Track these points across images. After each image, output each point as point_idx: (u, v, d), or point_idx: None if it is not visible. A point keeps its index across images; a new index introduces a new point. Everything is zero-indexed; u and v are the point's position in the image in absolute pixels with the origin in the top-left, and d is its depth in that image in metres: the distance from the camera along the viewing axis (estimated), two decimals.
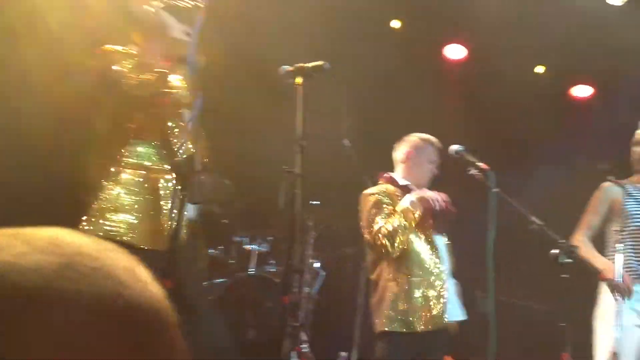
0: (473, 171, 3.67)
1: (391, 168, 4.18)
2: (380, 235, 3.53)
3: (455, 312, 3.76)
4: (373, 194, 3.71)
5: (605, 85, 6.82)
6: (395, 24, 6.45)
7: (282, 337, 4.39)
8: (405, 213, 3.58)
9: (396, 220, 3.55)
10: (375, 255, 3.69)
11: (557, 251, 3.42)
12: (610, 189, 4.04)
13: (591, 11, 5.63)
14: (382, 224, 3.56)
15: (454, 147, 3.78)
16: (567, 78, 6.90)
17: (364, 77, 6.06)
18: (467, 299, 6.14)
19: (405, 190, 3.77)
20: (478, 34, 6.36)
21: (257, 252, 4.97)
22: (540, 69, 6.78)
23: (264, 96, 4.66)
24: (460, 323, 3.95)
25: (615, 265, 3.70)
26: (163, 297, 0.73)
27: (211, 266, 4.99)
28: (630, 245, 3.92)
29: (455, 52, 6.72)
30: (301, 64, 3.18)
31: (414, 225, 3.61)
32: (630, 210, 3.92)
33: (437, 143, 3.96)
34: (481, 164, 3.68)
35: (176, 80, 3.25)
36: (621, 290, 3.70)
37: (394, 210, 3.62)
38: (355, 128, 5.57)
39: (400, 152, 3.98)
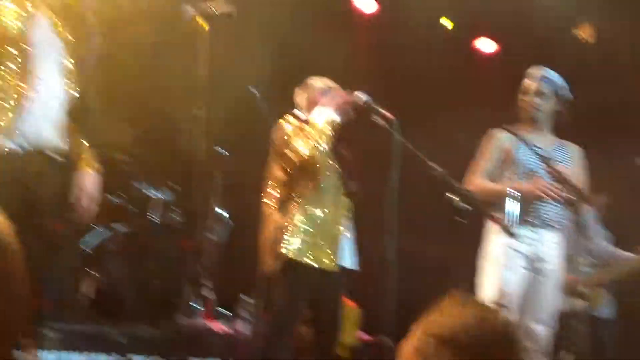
0: (377, 119, 3.70)
1: None
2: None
3: (348, 259, 3.85)
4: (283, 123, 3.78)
5: (508, 41, 6.98)
6: None
7: (184, 284, 4.39)
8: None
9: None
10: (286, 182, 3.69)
11: (453, 196, 3.50)
12: (500, 136, 4.11)
13: None
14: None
15: (361, 95, 3.79)
16: (472, 32, 7.01)
17: (275, 25, 5.98)
18: (372, 246, 6.30)
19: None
20: None
21: (160, 200, 4.88)
22: (446, 22, 6.84)
23: (168, 37, 4.51)
24: (360, 269, 4.02)
25: (506, 207, 3.81)
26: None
27: (113, 214, 4.88)
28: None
29: (365, 4, 6.71)
30: (207, 7, 3.08)
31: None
32: (520, 158, 4.03)
33: (333, 84, 4.01)
34: (386, 113, 3.71)
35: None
36: (510, 232, 3.82)
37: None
38: (265, 76, 5.51)
39: (300, 96, 4.01)
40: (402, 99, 5.54)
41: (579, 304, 4.44)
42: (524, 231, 3.91)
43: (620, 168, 4.88)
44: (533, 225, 3.93)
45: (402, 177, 3.70)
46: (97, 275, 4.30)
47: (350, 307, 4.95)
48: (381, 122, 3.71)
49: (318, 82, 4.01)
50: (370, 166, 5.41)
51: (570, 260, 4.45)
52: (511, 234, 3.79)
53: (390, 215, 3.70)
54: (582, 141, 4.81)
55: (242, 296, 4.87)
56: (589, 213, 4.74)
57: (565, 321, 4.24)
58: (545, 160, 3.96)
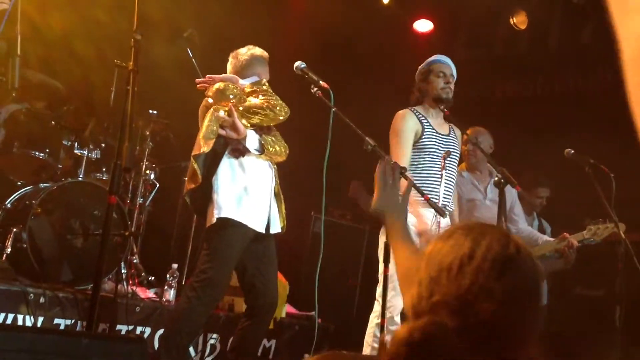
0: (315, 89, 3.69)
1: None
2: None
3: (276, 225, 3.90)
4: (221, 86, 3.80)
5: (444, 21, 7.07)
6: None
7: (111, 246, 4.30)
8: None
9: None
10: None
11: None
12: (408, 117, 4.16)
13: None
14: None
15: (298, 64, 3.77)
16: (409, 10, 7.06)
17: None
18: (305, 218, 6.35)
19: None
20: None
21: (87, 158, 4.75)
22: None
23: None
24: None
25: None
26: None
27: (39, 170, 4.74)
28: (426, 173, 4.12)
29: None
30: None
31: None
32: (425, 143, 4.08)
33: (265, 55, 4.06)
34: (322, 83, 3.70)
35: None
36: (442, 212, 3.91)
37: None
38: (199, 40, 5.42)
39: (228, 65, 4.06)
40: (338, 71, 5.57)
41: None
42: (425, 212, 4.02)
43: (551, 157, 5.02)
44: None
45: (335, 150, 3.72)
46: (19, 232, 4.16)
47: (280, 282, 4.98)
48: (318, 92, 3.71)
49: (243, 53, 4.03)
50: (306, 137, 5.44)
51: None
52: (443, 213, 3.90)
53: (320, 187, 3.73)
54: (509, 128, 4.97)
55: (173, 265, 4.81)
56: (513, 194, 4.87)
57: None
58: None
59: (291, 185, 5.97)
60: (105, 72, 4.85)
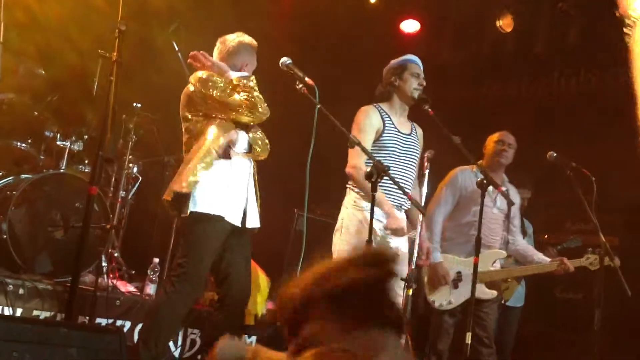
0: (300, 86, 3.70)
1: None
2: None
3: (253, 220, 3.86)
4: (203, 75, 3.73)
5: (430, 22, 7.08)
6: None
7: (92, 238, 4.27)
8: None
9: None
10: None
11: (368, 169, 3.56)
12: (372, 114, 4.14)
13: None
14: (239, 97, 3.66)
15: (284, 60, 3.77)
16: (396, 10, 7.07)
17: None
18: (285, 216, 6.34)
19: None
20: None
21: (69, 150, 4.72)
22: None
23: None
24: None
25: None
26: None
27: (20, 161, 4.70)
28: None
29: None
30: None
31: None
32: (385, 141, 4.06)
33: (253, 43, 3.98)
34: (308, 79, 3.71)
35: None
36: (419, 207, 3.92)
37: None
38: (184, 34, 5.41)
39: (215, 51, 3.96)
40: (323, 69, 5.57)
41: (490, 292, 4.58)
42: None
43: (534, 159, 5.04)
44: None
45: (320, 147, 3.73)
46: None
47: (261, 277, 4.97)
48: (303, 88, 3.71)
49: (230, 40, 3.94)
50: (290, 133, 5.44)
51: (490, 249, 4.59)
52: (424, 212, 3.91)
53: (303, 184, 3.73)
54: (493, 129, 4.97)
55: (154, 260, 4.80)
56: (517, 205, 4.82)
57: (477, 308, 4.38)
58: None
59: (275, 182, 5.98)
60: (89, 63, 4.81)
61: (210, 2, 5.93)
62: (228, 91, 3.69)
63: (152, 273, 4.71)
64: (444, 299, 4.57)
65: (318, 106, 3.69)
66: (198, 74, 3.74)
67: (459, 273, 4.57)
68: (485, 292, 4.56)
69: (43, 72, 4.89)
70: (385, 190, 3.97)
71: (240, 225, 3.75)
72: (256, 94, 3.73)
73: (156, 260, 4.79)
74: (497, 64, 7.00)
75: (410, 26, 7.06)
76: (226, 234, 3.70)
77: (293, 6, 6.83)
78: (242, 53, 3.91)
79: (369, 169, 3.51)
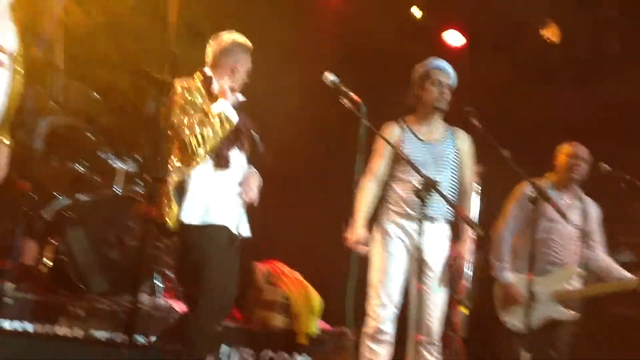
0: (345, 101, 3.70)
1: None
2: (194, 137, 3.48)
3: (244, 227, 3.78)
4: (177, 91, 3.60)
5: (476, 35, 7.05)
6: None
7: (145, 258, 4.34)
8: (220, 120, 3.52)
9: (210, 130, 3.48)
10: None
11: (418, 186, 3.53)
12: (391, 130, 4.12)
13: None
14: (198, 130, 3.48)
15: (329, 76, 3.77)
16: (440, 23, 7.05)
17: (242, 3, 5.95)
18: (335, 237, 6.33)
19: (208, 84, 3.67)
20: None
21: (123, 171, 4.82)
22: (416, 11, 6.88)
23: (135, 5, 4.45)
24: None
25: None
26: None
27: (76, 182, 4.81)
28: (402, 182, 4.04)
29: None
30: None
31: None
32: (407, 152, 3.96)
33: (248, 44, 3.85)
34: (354, 95, 3.72)
35: None
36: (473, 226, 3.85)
37: (206, 114, 3.53)
38: None
39: (208, 49, 3.81)
40: (370, 84, 5.59)
41: (566, 312, 4.45)
42: (407, 223, 3.98)
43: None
44: (414, 218, 3.89)
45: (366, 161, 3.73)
46: (57, 244, 4.23)
47: (313, 297, 4.99)
48: (348, 104, 3.72)
49: (224, 38, 3.79)
50: (338, 150, 5.46)
51: (564, 267, 4.51)
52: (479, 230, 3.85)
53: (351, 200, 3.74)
54: (545, 139, 4.89)
55: None
56: (596, 219, 4.72)
57: (551, 328, 4.30)
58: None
59: (321, 198, 6.00)
60: (142, 85, 4.89)
61: (253, 16, 5.99)
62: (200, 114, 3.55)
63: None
64: (517, 319, 4.41)
65: (364, 122, 3.70)
66: (183, 82, 3.62)
67: (532, 292, 4.42)
68: (560, 312, 4.45)
69: (97, 96, 5.01)
70: (398, 203, 3.95)
71: (235, 232, 3.69)
72: (211, 134, 3.51)
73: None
74: (542, 73, 6.92)
75: (454, 38, 7.05)
76: (229, 240, 3.63)
77: (336, 20, 6.86)
78: (235, 52, 3.76)
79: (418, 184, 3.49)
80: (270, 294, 5.02)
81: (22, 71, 3.14)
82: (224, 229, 3.56)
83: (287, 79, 5.95)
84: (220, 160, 3.56)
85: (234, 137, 3.64)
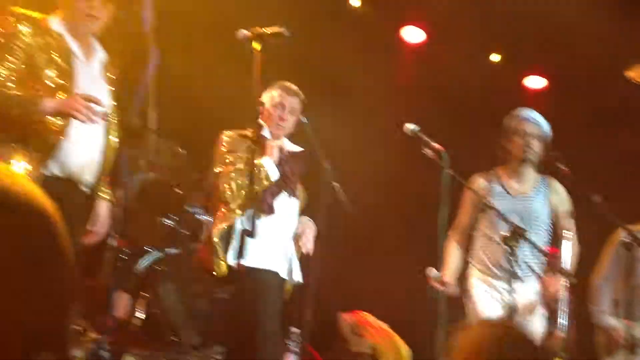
0: (427, 151, 3.71)
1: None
2: (229, 186, 3.59)
3: (297, 272, 3.86)
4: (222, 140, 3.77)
5: (558, 78, 6.95)
6: (355, 2, 6.45)
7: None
8: (259, 173, 3.56)
9: (246, 180, 3.47)
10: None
11: (507, 234, 3.49)
12: (477, 183, 4.11)
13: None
14: (233, 179, 3.59)
15: (410, 126, 3.80)
16: (521, 68, 6.99)
17: (321, 53, 6.05)
18: (416, 278, 6.26)
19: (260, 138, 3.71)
20: (437, 17, 6.41)
21: (209, 224, 4.93)
22: (496, 57, 6.85)
23: (220, 60, 4.59)
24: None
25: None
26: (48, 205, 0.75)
27: (165, 236, 4.94)
28: (487, 236, 4.05)
29: (412, 34, 6.74)
30: (260, 29, 3.15)
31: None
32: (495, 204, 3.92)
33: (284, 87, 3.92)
34: (435, 145, 3.72)
35: None
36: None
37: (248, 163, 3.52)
38: (310, 105, 5.57)
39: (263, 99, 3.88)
40: (451, 131, 5.58)
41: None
42: (496, 282, 3.91)
43: None
44: (504, 277, 3.83)
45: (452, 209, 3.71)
46: (149, 298, 4.35)
47: (401, 346, 4.95)
48: (430, 153, 3.72)
49: (274, 93, 3.91)
50: (419, 200, 5.43)
51: (620, 306, 4.37)
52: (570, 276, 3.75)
53: (440, 252, 3.71)
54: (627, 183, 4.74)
55: (291, 329, 4.86)
56: None
57: None
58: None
59: (406, 247, 5.95)
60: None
61: (335, 70, 6.08)
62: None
63: (292, 344, 4.73)
64: None
65: (447, 171, 3.68)
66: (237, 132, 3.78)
67: (635, 337, 4.29)
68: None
69: (185, 152, 5.17)
70: (483, 258, 3.89)
71: (287, 278, 3.80)
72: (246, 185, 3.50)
73: (295, 330, 4.82)
74: (628, 116, 6.73)
75: (535, 82, 6.97)
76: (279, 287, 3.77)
77: (416, 69, 6.90)
78: (283, 99, 3.88)
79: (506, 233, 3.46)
80: (356, 345, 4.98)
81: (117, 131, 3.30)
82: (270, 273, 3.63)
83: (370, 129, 6.01)
84: (264, 207, 3.61)
85: (280, 185, 3.72)
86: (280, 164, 3.73)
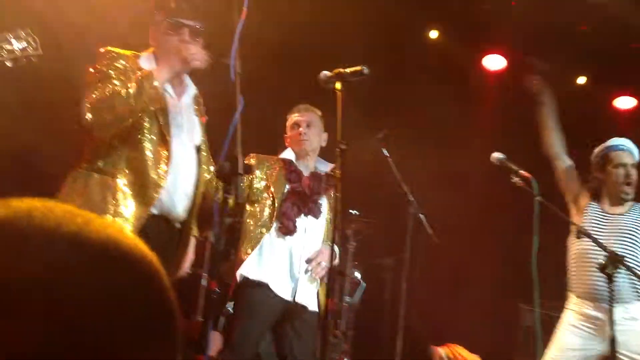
0: (516, 179, 3.65)
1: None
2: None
3: (305, 297, 3.76)
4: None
5: None
6: (433, 34, 6.46)
7: (323, 346, 4.39)
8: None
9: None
10: None
11: (603, 261, 3.39)
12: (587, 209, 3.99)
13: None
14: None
15: (496, 155, 3.77)
16: (609, 89, 6.80)
17: (402, 86, 6.07)
18: (511, 309, 6.12)
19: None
20: (518, 44, 6.33)
21: None
22: (582, 80, 6.69)
23: (301, 100, 4.65)
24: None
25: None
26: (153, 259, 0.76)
27: None
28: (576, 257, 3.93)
29: (494, 62, 6.68)
30: (340, 69, 3.18)
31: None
32: (586, 222, 3.87)
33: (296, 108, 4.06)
34: (524, 172, 3.66)
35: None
36: None
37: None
38: (392, 137, 5.57)
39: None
40: (537, 157, 5.46)
41: None
42: (594, 313, 3.75)
43: None
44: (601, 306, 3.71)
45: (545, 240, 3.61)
46: None
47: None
48: (519, 182, 3.66)
49: (293, 116, 4.08)
50: (511, 228, 5.33)
51: None
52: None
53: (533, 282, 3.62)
54: None
55: None
56: None
57: None
58: None
59: (499, 274, 5.83)
60: None
61: (415, 108, 6.09)
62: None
63: None
64: None
65: (538, 199, 3.61)
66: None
67: None
68: None
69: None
70: (578, 281, 3.75)
71: (291, 300, 3.73)
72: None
73: None
74: None
75: (625, 103, 6.75)
76: (277, 305, 3.73)
77: (497, 96, 6.82)
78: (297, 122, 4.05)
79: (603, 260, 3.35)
80: None
81: (209, 164, 3.35)
82: (262, 286, 3.65)
83: (457, 160, 5.96)
84: (282, 227, 3.72)
85: (299, 206, 3.78)
86: (296, 182, 3.84)
